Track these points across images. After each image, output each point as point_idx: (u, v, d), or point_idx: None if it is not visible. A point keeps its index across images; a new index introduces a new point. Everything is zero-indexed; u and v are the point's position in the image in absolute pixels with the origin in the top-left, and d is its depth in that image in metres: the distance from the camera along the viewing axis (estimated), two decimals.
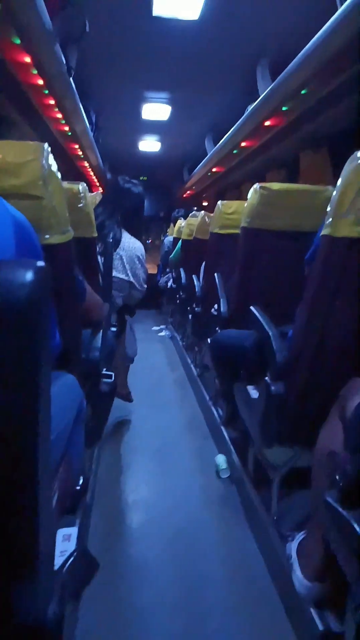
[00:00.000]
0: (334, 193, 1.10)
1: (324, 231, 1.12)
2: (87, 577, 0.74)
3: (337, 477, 0.90)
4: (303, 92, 2.29)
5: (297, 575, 1.19)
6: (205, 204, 7.71)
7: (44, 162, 0.95)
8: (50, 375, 0.54)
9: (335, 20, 1.73)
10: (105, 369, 1.60)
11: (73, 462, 1.00)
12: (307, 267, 1.49)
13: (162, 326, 5.48)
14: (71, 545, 0.79)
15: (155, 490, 1.94)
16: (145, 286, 2.31)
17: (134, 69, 3.28)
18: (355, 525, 0.81)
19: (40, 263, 0.46)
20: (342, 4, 1.68)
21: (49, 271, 0.48)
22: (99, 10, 2.38)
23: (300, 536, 1.27)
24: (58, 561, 0.71)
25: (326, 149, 3.08)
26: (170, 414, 2.81)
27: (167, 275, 5.44)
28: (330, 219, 1.10)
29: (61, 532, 0.82)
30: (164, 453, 2.27)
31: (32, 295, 0.44)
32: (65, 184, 1.47)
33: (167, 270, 5.50)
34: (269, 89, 2.51)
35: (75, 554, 0.72)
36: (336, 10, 1.72)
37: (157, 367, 3.84)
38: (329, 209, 1.12)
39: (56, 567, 0.69)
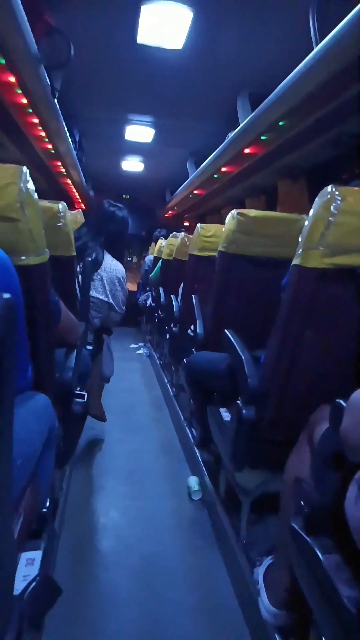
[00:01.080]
0: (306, 224, 1.14)
1: (295, 261, 1.16)
2: (48, 603, 0.72)
3: (303, 503, 0.91)
4: (281, 123, 2.37)
5: (264, 602, 1.19)
6: (186, 224, 7.81)
7: (21, 185, 0.96)
8: (13, 407, 0.54)
9: (312, 59, 1.80)
10: (79, 389, 1.59)
11: (40, 484, 0.99)
12: (283, 293, 1.53)
13: (140, 344, 5.48)
14: (34, 570, 0.78)
15: (126, 514, 1.92)
16: (124, 308, 2.32)
17: (118, 93, 3.34)
18: (318, 552, 0.82)
19: (7, 295, 0.47)
20: (317, 44, 1.76)
21: (15, 303, 0.48)
22: (84, 36, 2.43)
23: (268, 561, 1.28)
24: (21, 585, 0.70)
25: (304, 178, 3.18)
26: (145, 435, 2.79)
27: (146, 294, 5.46)
28: (301, 250, 1.13)
29: (25, 556, 0.81)
30: (137, 475, 2.25)
31: None
32: (45, 203, 1.48)
33: (147, 288, 5.53)
34: (248, 118, 2.59)
35: (37, 579, 0.71)
36: (312, 49, 1.80)
37: (133, 386, 3.82)
38: (300, 239, 1.16)
39: (18, 592, 0.68)
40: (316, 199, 1.12)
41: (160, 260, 4.44)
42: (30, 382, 1.01)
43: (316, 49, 1.78)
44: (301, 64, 1.91)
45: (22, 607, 0.62)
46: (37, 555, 0.82)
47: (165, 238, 4.72)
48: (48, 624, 1.25)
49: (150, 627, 1.34)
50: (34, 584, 0.70)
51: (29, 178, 0.99)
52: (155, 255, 5.23)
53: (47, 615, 1.22)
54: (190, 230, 3.38)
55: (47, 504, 1.01)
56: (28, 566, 0.80)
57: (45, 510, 1.00)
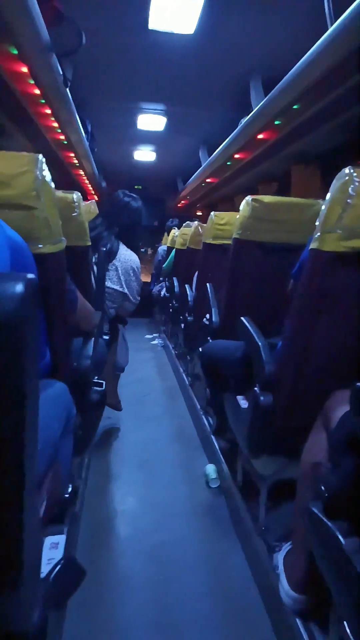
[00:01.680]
0: (323, 208, 1.12)
1: (312, 245, 1.15)
2: (73, 586, 0.74)
3: (322, 488, 0.91)
4: (295, 107, 2.33)
5: (284, 586, 1.19)
6: (199, 213, 7.77)
7: (37, 173, 0.96)
8: (38, 387, 0.55)
9: (326, 40, 1.76)
10: (95, 378, 1.60)
11: (61, 470, 1.00)
12: (293, 281, 1.52)
13: (154, 335, 5.49)
14: (59, 553, 0.80)
15: (144, 500, 1.94)
16: (139, 298, 2.33)
17: (130, 81, 3.31)
18: (339, 535, 0.82)
19: (31, 276, 0.47)
20: (331, 25, 1.72)
21: (38, 284, 0.49)
22: (95, 23, 2.41)
23: (287, 547, 1.28)
24: (45, 569, 0.71)
25: (317, 164, 3.13)
26: (161, 423, 2.81)
27: (160, 284, 5.46)
28: (318, 234, 1.12)
29: (49, 540, 0.83)
30: (153, 463, 2.27)
31: (22, 308, 0.45)
32: (60, 193, 1.49)
33: (161, 279, 5.52)
34: (261, 103, 2.55)
35: (62, 562, 0.73)
36: (327, 29, 1.77)
37: (148, 376, 3.84)
38: (317, 223, 1.14)
39: (43, 575, 0.69)
40: (333, 181, 1.10)
41: (174, 250, 4.43)
42: (47, 368, 1.02)
43: (331, 29, 1.74)
44: (315, 45, 1.87)
45: (48, 589, 0.63)
46: (60, 539, 0.84)
47: (178, 228, 4.71)
48: (68, 606, 1.28)
49: (168, 611, 1.36)
50: (59, 566, 0.71)
51: (44, 166, 0.99)
52: (168, 245, 5.22)
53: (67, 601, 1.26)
54: (202, 219, 3.36)
55: (69, 489, 1.03)
56: (52, 550, 0.81)
57: (67, 495, 1.01)
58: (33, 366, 0.49)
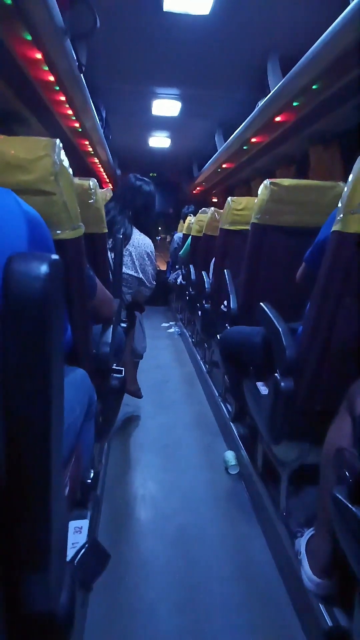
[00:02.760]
0: (345, 189, 1.09)
1: (335, 227, 1.12)
2: (98, 569, 0.75)
3: (346, 473, 0.90)
4: (314, 87, 2.28)
5: (306, 571, 1.19)
6: (214, 200, 7.70)
7: (55, 157, 0.96)
8: (63, 368, 0.54)
9: (347, 15, 1.71)
10: (115, 365, 1.61)
11: (83, 455, 1.01)
12: (306, 264, 1.49)
13: (171, 323, 5.49)
14: (82, 538, 0.80)
15: (164, 485, 1.95)
16: (154, 283, 2.32)
17: (144, 65, 3.27)
18: None
19: (55, 256, 0.47)
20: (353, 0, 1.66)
21: (62, 266, 0.49)
22: (109, 6, 2.38)
23: (309, 532, 1.28)
24: (69, 553, 0.72)
25: (337, 144, 3.06)
26: (179, 410, 2.82)
27: (176, 272, 5.44)
28: (341, 215, 1.09)
29: (72, 525, 0.83)
30: (172, 449, 2.28)
31: (47, 287, 0.44)
32: (76, 180, 1.48)
33: (177, 266, 5.50)
34: (279, 84, 2.50)
35: (86, 546, 0.73)
36: (348, 5, 1.71)
37: (166, 363, 3.85)
38: (339, 205, 1.11)
39: (68, 559, 0.70)
40: (357, 161, 1.07)
41: (190, 237, 4.40)
42: (68, 354, 1.02)
43: (352, 4, 1.68)
44: (335, 22, 1.81)
45: (74, 572, 0.64)
46: (84, 523, 0.84)
47: (194, 215, 4.67)
48: (93, 588, 1.30)
49: (189, 594, 1.37)
50: (83, 550, 0.72)
51: (62, 151, 0.98)
52: (184, 232, 5.18)
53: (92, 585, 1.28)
54: (219, 206, 3.32)
55: (91, 474, 1.03)
56: (76, 534, 0.82)
57: (89, 481, 1.02)
58: (58, 347, 0.48)
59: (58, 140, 0.97)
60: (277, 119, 2.85)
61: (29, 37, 1.93)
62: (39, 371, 0.47)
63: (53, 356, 0.47)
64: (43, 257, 0.45)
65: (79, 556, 0.69)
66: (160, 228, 9.45)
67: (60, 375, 0.52)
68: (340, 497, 0.88)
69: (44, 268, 0.44)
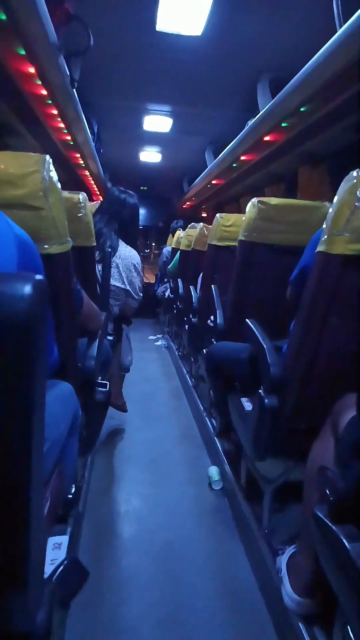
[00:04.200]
0: (330, 210, 1.12)
1: (319, 248, 1.14)
2: (76, 586, 0.74)
3: (328, 491, 0.90)
4: (303, 109, 2.33)
5: (287, 589, 1.19)
6: (204, 215, 7.76)
7: (45, 174, 0.97)
8: (45, 387, 0.54)
9: (335, 41, 1.76)
10: (100, 378, 1.60)
11: (66, 470, 1.00)
12: (292, 287, 1.51)
13: (158, 335, 5.49)
14: (61, 554, 0.80)
15: (148, 501, 1.94)
16: (141, 295, 2.33)
17: (137, 82, 3.32)
18: (344, 540, 0.81)
19: (39, 277, 0.47)
20: (341, 27, 1.71)
21: (47, 284, 0.49)
22: (103, 24, 2.42)
23: (291, 550, 1.28)
24: (48, 569, 0.71)
25: (325, 165, 3.12)
26: (165, 424, 2.81)
27: (164, 285, 5.46)
28: (326, 236, 1.11)
29: (52, 541, 0.83)
30: (157, 464, 2.27)
31: (31, 308, 0.45)
32: (66, 194, 1.49)
33: (165, 280, 5.53)
34: (269, 105, 2.55)
35: (65, 562, 0.73)
36: (336, 31, 1.76)
37: (152, 377, 3.84)
38: (324, 226, 1.14)
39: (46, 575, 0.69)
40: (341, 184, 1.10)
41: (179, 251, 4.43)
42: (54, 368, 1.02)
43: (340, 31, 1.73)
44: (324, 47, 1.86)
45: (52, 590, 0.63)
46: (63, 539, 0.84)
47: (183, 229, 4.71)
48: (72, 606, 1.28)
49: (172, 612, 1.35)
50: (62, 567, 0.71)
51: (52, 166, 0.99)
52: (173, 246, 5.22)
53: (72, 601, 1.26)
54: (208, 221, 3.36)
55: (72, 490, 1.03)
56: (55, 550, 0.81)
57: (70, 496, 1.01)
58: (41, 367, 0.49)
59: (48, 157, 0.98)
60: (266, 138, 2.90)
61: (23, 52, 1.95)
62: (20, 392, 0.47)
63: (36, 376, 0.47)
64: (27, 277, 0.46)
65: (57, 573, 0.68)
66: (147, 242, 9.50)
67: (42, 394, 0.52)
68: (321, 515, 0.89)
69: (27, 289, 0.45)
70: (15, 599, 0.52)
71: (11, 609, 0.52)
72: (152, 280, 6.64)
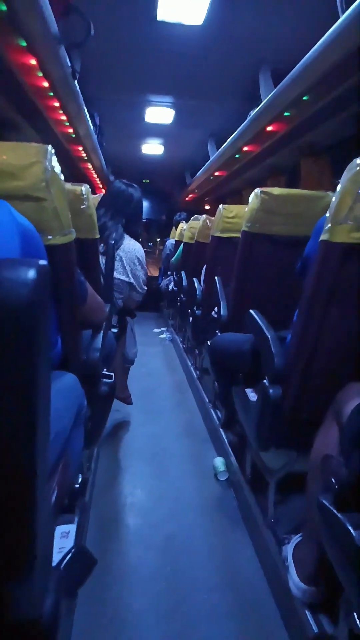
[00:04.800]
0: (333, 199, 1.11)
1: (322, 237, 1.13)
2: (84, 574, 0.75)
3: (332, 480, 0.91)
4: (305, 98, 2.31)
5: (293, 578, 1.20)
6: (207, 207, 7.74)
7: (47, 164, 0.96)
8: (50, 375, 0.55)
9: (337, 28, 1.74)
10: (105, 370, 1.61)
11: (72, 460, 1.01)
12: (299, 276, 1.50)
13: (162, 329, 5.50)
14: (69, 542, 0.80)
15: (153, 492, 1.95)
16: (145, 288, 2.33)
17: (138, 73, 3.30)
18: (350, 528, 0.82)
19: (42, 262, 0.47)
20: (343, 13, 1.70)
21: (50, 272, 0.49)
22: (103, 15, 2.40)
23: (296, 539, 1.28)
24: (56, 557, 0.72)
25: (327, 156, 3.10)
26: (170, 416, 2.82)
27: (168, 278, 5.46)
28: (329, 225, 1.11)
29: (59, 529, 0.83)
30: (162, 456, 2.28)
31: (34, 294, 0.44)
32: (69, 186, 1.48)
33: (169, 273, 5.52)
34: (271, 94, 2.53)
35: (73, 551, 0.73)
36: (338, 18, 1.74)
37: (157, 370, 3.85)
38: (327, 215, 1.13)
39: (54, 564, 0.69)
40: (345, 172, 1.09)
41: (182, 244, 4.42)
42: (58, 359, 1.02)
43: (342, 18, 1.72)
44: (326, 35, 1.85)
45: (60, 578, 0.64)
46: (71, 528, 0.84)
47: (186, 222, 4.70)
48: (80, 593, 1.29)
49: (177, 602, 1.36)
50: (69, 555, 0.71)
51: (54, 157, 0.99)
52: (176, 239, 5.21)
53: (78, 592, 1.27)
54: (211, 213, 3.34)
55: (79, 480, 1.03)
56: (63, 539, 0.82)
57: (77, 486, 1.02)
58: (45, 354, 0.49)
59: (50, 147, 0.98)
60: (269, 129, 2.89)
61: (24, 44, 1.94)
62: (25, 376, 0.47)
63: (40, 361, 0.47)
64: (30, 263, 0.45)
65: (65, 561, 0.69)
66: (149, 236, 9.46)
67: (47, 382, 0.52)
68: (326, 503, 0.89)
69: (31, 274, 0.44)
70: (24, 587, 0.53)
71: (19, 596, 0.53)
72: (156, 274, 6.63)
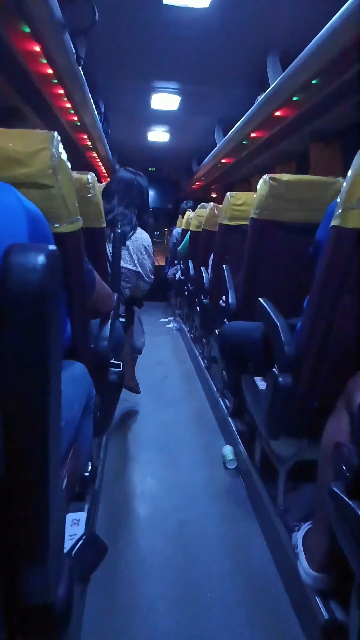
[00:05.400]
0: (344, 184, 1.09)
1: (333, 222, 1.12)
2: (96, 560, 0.75)
3: (344, 467, 0.90)
4: (314, 82, 2.27)
5: (303, 565, 1.20)
6: (214, 195, 7.68)
7: (54, 150, 0.95)
8: (62, 361, 0.54)
9: (346, 10, 1.70)
10: (113, 359, 1.61)
11: (82, 449, 1.01)
12: (311, 261, 1.48)
13: (170, 318, 5.49)
14: (80, 529, 0.81)
15: (162, 481, 1.96)
16: (152, 277, 2.31)
17: (144, 59, 3.25)
18: None
19: (52, 247, 0.47)
20: None
21: (59, 257, 0.48)
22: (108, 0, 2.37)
23: (306, 527, 1.28)
24: (67, 544, 0.72)
25: (337, 142, 3.05)
26: (178, 406, 2.82)
27: (175, 267, 5.43)
28: (340, 210, 1.09)
29: (70, 517, 0.84)
30: (171, 445, 2.29)
31: (45, 278, 0.44)
32: (74, 174, 1.47)
33: (176, 262, 5.50)
34: (279, 78, 2.49)
35: (84, 537, 0.73)
36: (347, 0, 1.70)
37: (165, 359, 3.85)
38: (338, 200, 1.11)
39: (65, 550, 0.70)
40: (356, 156, 1.07)
41: (189, 232, 4.39)
42: (67, 346, 1.02)
43: (350, 0, 1.67)
44: (335, 16, 1.81)
45: (72, 563, 0.64)
46: (81, 516, 0.85)
47: (193, 210, 4.66)
48: (91, 583, 1.30)
49: (188, 589, 1.37)
50: (81, 542, 0.72)
51: (60, 144, 0.98)
52: (183, 227, 5.17)
53: (90, 578, 1.28)
54: (217, 201, 3.31)
55: (89, 468, 1.03)
56: (74, 526, 0.83)
57: (87, 474, 1.02)
58: (56, 339, 0.48)
59: (56, 133, 0.96)
60: (277, 113, 2.85)
61: (28, 30, 1.92)
62: (37, 362, 0.46)
63: (52, 347, 0.47)
64: (40, 248, 0.45)
65: (77, 547, 0.69)
66: (157, 225, 9.41)
67: (59, 367, 0.51)
68: (338, 491, 0.88)
69: (41, 259, 0.44)
70: (37, 573, 0.53)
71: (33, 582, 0.53)
72: (162, 263, 6.61)
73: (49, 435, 0.49)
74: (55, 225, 0.99)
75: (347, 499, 0.85)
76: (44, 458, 0.50)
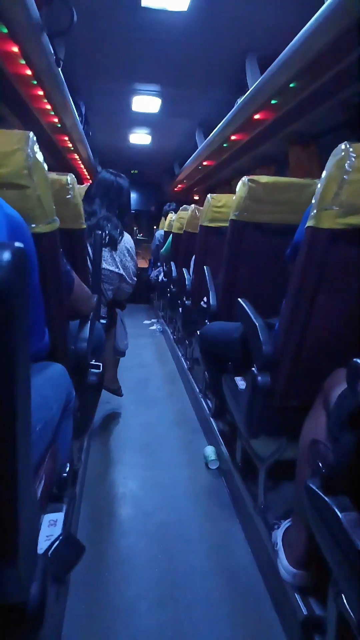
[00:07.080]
0: (318, 186, 1.11)
1: (309, 223, 1.13)
2: (72, 561, 0.75)
3: (320, 464, 0.91)
4: (292, 85, 2.30)
5: (283, 562, 1.21)
6: (196, 197, 7.71)
7: (29, 151, 0.95)
8: (29, 363, 0.54)
9: (322, 14, 1.73)
10: (93, 360, 1.60)
11: (60, 450, 1.00)
12: (289, 263, 1.50)
13: (153, 320, 5.49)
14: (57, 530, 0.80)
15: (144, 483, 1.96)
16: (135, 279, 2.32)
17: (124, 61, 3.26)
18: (336, 510, 0.82)
19: (19, 244, 0.46)
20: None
21: (27, 254, 0.48)
22: (87, 2, 2.36)
23: (286, 524, 1.29)
24: (44, 545, 0.72)
25: (315, 145, 3.10)
26: (161, 407, 2.82)
27: (158, 269, 5.44)
28: (315, 211, 1.11)
29: (47, 518, 0.83)
30: (153, 446, 2.29)
31: (9, 277, 0.43)
32: (54, 175, 1.46)
33: (158, 264, 5.50)
34: (258, 82, 2.52)
35: (60, 538, 0.73)
36: (323, 4, 1.73)
37: (148, 361, 3.85)
38: (313, 201, 1.13)
39: (42, 551, 0.69)
40: (329, 157, 1.09)
41: (171, 234, 4.40)
42: (46, 350, 1.01)
43: (326, 4, 1.70)
44: (311, 21, 1.83)
45: (46, 564, 0.64)
46: (59, 516, 0.84)
47: (175, 212, 4.67)
48: (71, 585, 1.30)
49: (170, 590, 1.37)
50: (57, 542, 0.71)
51: (35, 144, 0.97)
52: (165, 229, 5.18)
53: (69, 579, 1.27)
54: (200, 203, 3.33)
55: (67, 469, 1.03)
56: (51, 527, 0.82)
57: (65, 475, 1.02)
58: (23, 340, 0.48)
59: (31, 133, 0.96)
60: (256, 117, 2.88)
61: (5, 30, 1.91)
62: (3, 364, 0.46)
63: (18, 349, 0.46)
64: (5, 245, 0.44)
65: (53, 548, 0.69)
66: (135, 228, 9.40)
67: (26, 369, 0.51)
68: (313, 487, 0.90)
69: (5, 256, 0.43)
70: (8, 572, 0.53)
71: (5, 581, 0.53)
72: (145, 265, 6.61)
73: (17, 436, 0.48)
74: (32, 225, 0.98)
75: (323, 495, 0.87)
76: (12, 459, 0.49)
